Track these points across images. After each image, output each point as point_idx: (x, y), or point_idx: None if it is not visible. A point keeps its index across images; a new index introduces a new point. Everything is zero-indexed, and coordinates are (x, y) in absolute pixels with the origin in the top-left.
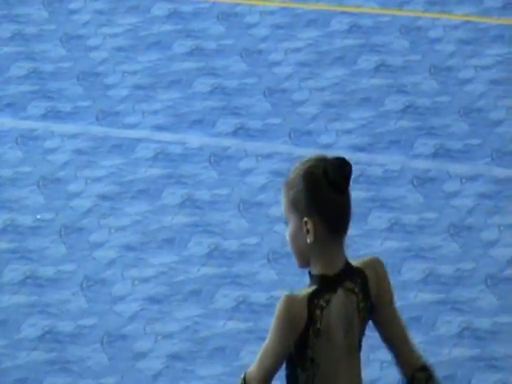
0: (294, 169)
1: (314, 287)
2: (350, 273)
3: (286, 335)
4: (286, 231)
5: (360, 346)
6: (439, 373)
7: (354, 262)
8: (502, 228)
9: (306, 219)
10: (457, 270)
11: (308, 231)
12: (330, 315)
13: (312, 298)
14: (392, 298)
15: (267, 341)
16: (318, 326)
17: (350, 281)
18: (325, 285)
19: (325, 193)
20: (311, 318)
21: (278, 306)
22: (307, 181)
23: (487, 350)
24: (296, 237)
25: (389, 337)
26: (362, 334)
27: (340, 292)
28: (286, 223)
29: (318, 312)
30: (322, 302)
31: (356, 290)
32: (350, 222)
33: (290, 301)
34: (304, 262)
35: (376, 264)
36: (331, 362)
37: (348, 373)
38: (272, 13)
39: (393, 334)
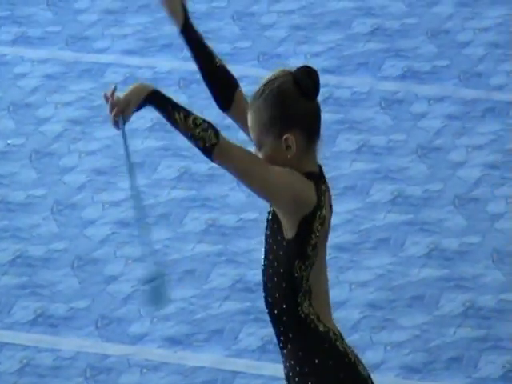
0: (261, 91)
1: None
2: (323, 175)
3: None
4: (259, 154)
5: None
6: (408, 293)
7: None
8: (469, 149)
9: (286, 136)
10: (425, 192)
11: (288, 147)
12: (326, 207)
13: (316, 184)
14: None
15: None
16: (324, 213)
17: (325, 181)
18: (316, 179)
19: (300, 103)
20: (319, 203)
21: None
22: (283, 98)
23: (455, 271)
24: (274, 157)
25: None
26: None
27: (325, 187)
28: (259, 147)
29: (323, 199)
30: (322, 190)
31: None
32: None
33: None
34: None
35: None
36: (322, 258)
37: (326, 274)
38: None
39: None
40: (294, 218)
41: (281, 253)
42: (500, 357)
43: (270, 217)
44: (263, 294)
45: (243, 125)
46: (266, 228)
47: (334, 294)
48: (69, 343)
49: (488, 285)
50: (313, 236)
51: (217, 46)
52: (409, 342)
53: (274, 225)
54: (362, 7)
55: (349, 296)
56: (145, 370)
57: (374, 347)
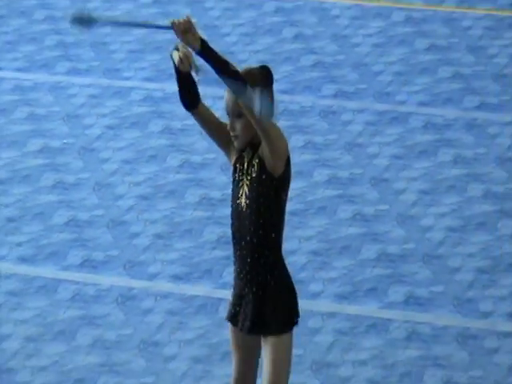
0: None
1: None
2: None
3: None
4: (238, 123)
5: None
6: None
7: None
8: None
9: None
10: None
11: None
12: None
13: None
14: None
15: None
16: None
17: None
18: None
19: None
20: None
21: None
22: (263, 74)
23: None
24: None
25: None
26: None
27: None
28: (238, 115)
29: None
30: None
31: None
32: None
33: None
34: (247, 142)
35: None
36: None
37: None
38: None
39: None
40: (283, 158)
41: (266, 190)
42: None
43: (255, 173)
44: (235, 229)
45: (204, 124)
46: (249, 179)
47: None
48: (106, 280)
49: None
50: (291, 173)
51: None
52: None
53: (261, 175)
54: (368, 233)
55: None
56: (158, 298)
57: None
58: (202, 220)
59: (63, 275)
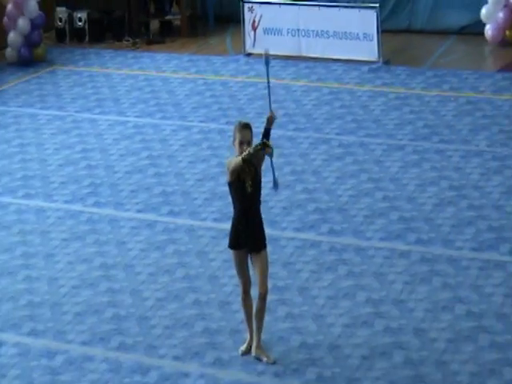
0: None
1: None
2: None
3: None
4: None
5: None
6: None
7: None
8: None
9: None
10: None
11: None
12: None
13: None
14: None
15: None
16: None
17: None
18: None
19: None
20: None
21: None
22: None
23: None
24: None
25: None
26: None
27: None
28: (248, 144)
29: None
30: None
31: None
32: None
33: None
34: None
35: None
36: None
37: None
38: None
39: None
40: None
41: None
42: None
43: (255, 180)
44: (249, 205)
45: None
46: (256, 181)
47: None
48: None
49: None
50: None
51: None
52: None
53: (259, 177)
54: None
55: None
56: None
57: None
58: None
59: None
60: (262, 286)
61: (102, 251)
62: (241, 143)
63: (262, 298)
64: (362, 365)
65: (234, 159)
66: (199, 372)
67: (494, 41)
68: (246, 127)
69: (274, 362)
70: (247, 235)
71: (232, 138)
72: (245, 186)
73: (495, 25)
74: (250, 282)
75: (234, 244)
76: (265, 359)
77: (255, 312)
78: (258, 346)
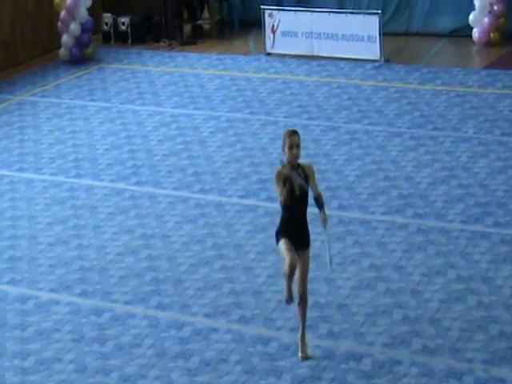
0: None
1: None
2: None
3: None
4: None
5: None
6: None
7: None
8: None
9: None
10: None
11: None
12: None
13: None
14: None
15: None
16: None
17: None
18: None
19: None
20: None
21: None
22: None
23: None
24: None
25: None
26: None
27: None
28: (298, 146)
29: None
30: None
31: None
32: None
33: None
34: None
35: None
36: None
37: None
38: None
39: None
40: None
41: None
42: None
43: (304, 191)
44: (298, 216)
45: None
46: (302, 194)
47: None
48: None
49: None
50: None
51: None
52: None
53: (306, 192)
54: None
55: None
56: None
57: None
58: None
59: None
60: (300, 287)
61: (143, 223)
62: (291, 147)
63: (304, 299)
64: (366, 321)
65: (281, 184)
66: (226, 327)
67: (480, 42)
68: (294, 133)
69: (307, 358)
70: (295, 232)
71: (282, 144)
72: (293, 188)
73: (481, 28)
74: (296, 259)
75: (284, 236)
76: (300, 354)
77: (300, 315)
78: (301, 339)
